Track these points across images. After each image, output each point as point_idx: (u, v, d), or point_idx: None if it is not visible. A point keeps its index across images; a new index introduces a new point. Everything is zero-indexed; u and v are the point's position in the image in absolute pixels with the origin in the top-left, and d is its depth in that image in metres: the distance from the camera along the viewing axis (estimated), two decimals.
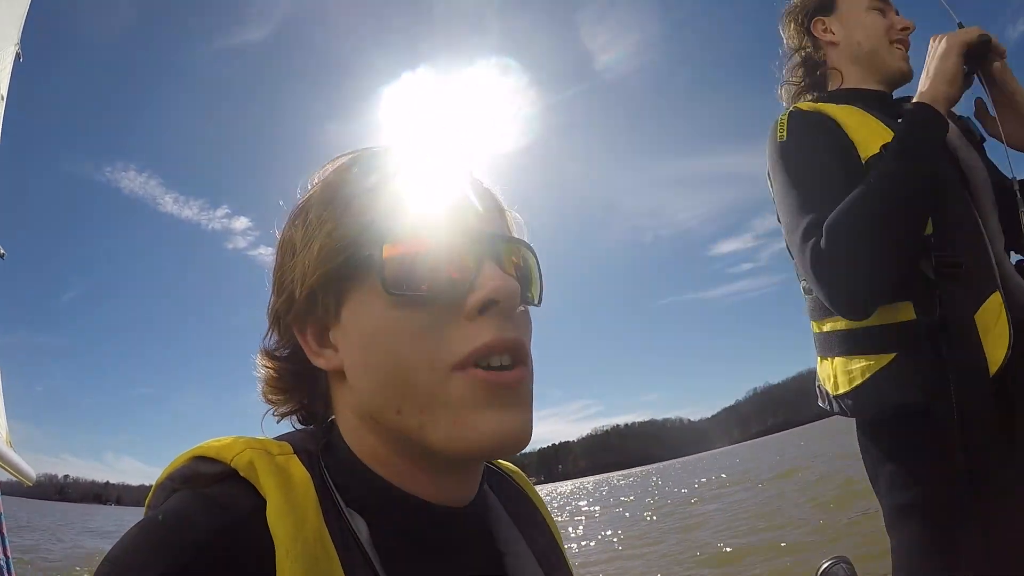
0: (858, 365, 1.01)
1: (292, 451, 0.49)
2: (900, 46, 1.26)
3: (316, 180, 0.57)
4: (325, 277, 0.50)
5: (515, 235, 0.58)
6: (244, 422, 0.53)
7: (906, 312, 0.97)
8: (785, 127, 1.14)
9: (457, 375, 0.47)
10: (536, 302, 0.55)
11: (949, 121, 1.07)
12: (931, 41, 1.12)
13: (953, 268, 0.94)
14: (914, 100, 1.08)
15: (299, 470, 0.47)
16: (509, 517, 0.60)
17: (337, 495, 0.48)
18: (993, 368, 0.91)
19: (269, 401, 0.58)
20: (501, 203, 0.59)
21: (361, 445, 0.51)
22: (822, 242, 0.96)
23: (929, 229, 0.99)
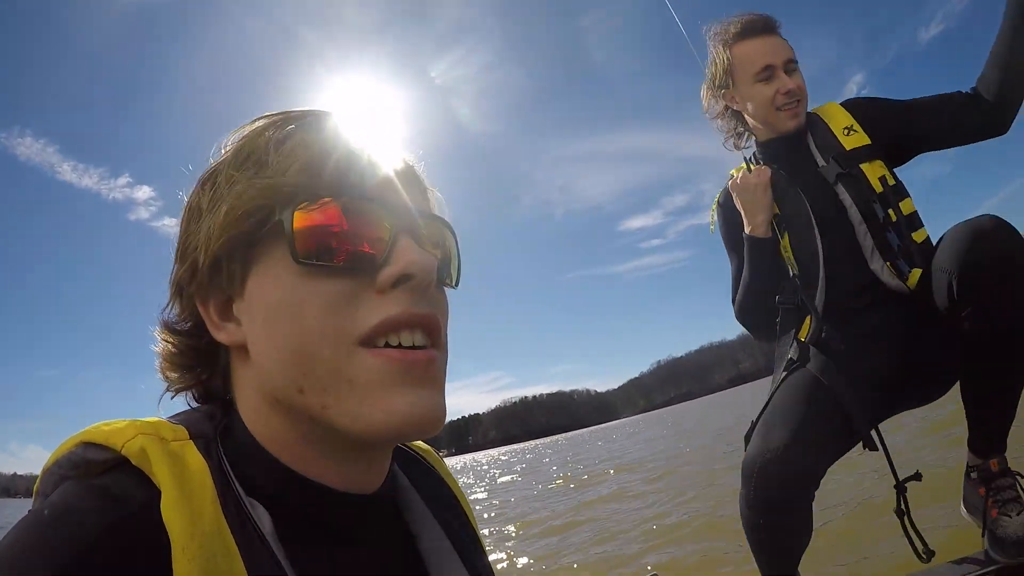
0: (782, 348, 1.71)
1: (188, 436, 0.46)
2: (787, 108, 1.52)
3: (230, 143, 0.52)
4: (231, 242, 0.47)
5: (436, 213, 0.55)
6: (155, 402, 0.55)
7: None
8: (717, 217, 1.76)
9: (363, 352, 0.45)
10: (453, 284, 0.55)
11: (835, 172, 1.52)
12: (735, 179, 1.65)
13: (785, 306, 1.57)
14: (746, 233, 1.62)
15: (195, 457, 0.44)
16: (421, 499, 0.59)
17: (236, 484, 0.45)
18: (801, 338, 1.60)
19: (167, 378, 0.54)
20: (424, 181, 0.56)
21: (264, 428, 0.48)
22: (736, 315, 1.72)
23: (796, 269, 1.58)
